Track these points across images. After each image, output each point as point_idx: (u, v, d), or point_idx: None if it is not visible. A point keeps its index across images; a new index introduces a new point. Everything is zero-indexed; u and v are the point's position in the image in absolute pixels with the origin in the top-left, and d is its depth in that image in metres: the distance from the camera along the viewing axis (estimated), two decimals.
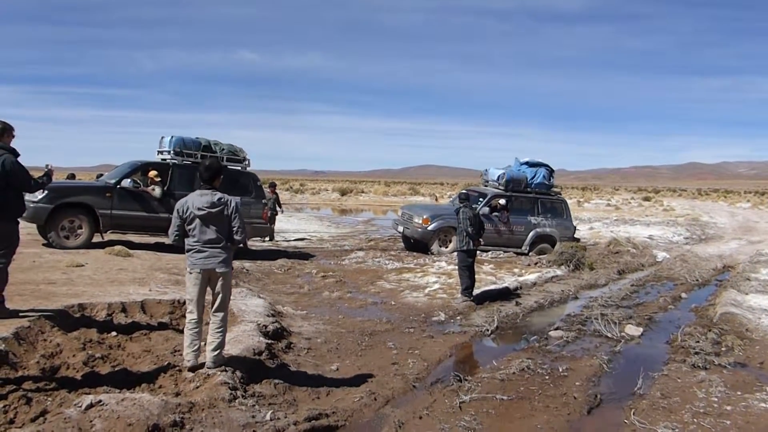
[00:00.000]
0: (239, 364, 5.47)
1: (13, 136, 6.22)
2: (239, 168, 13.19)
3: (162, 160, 12.76)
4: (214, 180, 5.19)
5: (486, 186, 16.89)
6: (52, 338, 5.83)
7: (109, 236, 12.81)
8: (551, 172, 16.54)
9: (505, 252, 15.44)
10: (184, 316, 7.31)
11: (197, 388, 4.92)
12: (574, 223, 17.16)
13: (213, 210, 5.07)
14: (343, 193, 51.62)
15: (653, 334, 8.43)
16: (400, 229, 15.93)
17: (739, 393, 5.90)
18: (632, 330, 8.29)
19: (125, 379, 5.17)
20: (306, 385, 5.62)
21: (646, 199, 62.10)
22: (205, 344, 5.34)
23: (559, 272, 12.95)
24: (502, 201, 15.39)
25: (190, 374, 5.15)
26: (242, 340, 6.14)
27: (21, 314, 6.11)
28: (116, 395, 4.45)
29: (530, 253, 15.49)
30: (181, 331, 6.81)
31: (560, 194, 17.11)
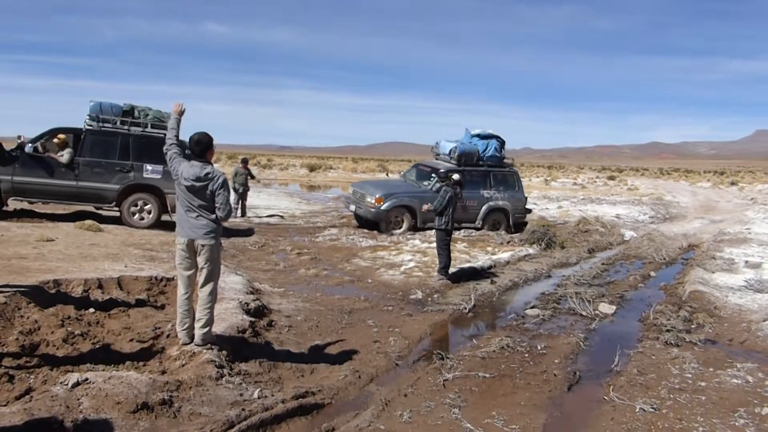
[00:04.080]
0: (224, 341, 5.45)
1: None
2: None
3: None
4: (204, 153, 5.16)
5: (437, 160, 16.41)
6: (29, 315, 5.72)
7: (77, 209, 12.58)
8: (502, 143, 16.15)
9: (470, 229, 15.39)
10: (162, 293, 7.29)
11: (183, 366, 4.89)
12: (526, 195, 17.00)
13: (197, 184, 5.02)
14: (312, 168, 51.18)
15: (625, 311, 8.63)
16: (352, 207, 15.35)
17: (711, 369, 6.09)
18: (605, 308, 8.47)
19: (107, 357, 5.11)
20: (290, 362, 5.62)
21: (611, 178, 63.11)
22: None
23: (531, 251, 13.11)
24: (456, 176, 15.17)
25: (175, 352, 5.11)
26: (225, 317, 6.10)
27: None
28: (103, 373, 4.39)
29: (484, 227, 15.35)
30: (160, 308, 6.77)
31: (512, 166, 16.72)
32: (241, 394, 4.63)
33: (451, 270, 10.03)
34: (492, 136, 16.13)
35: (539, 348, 6.64)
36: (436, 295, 8.89)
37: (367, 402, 4.99)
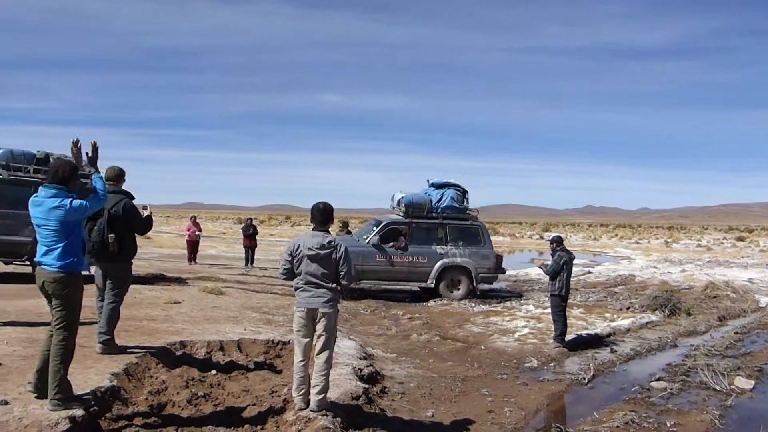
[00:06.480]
0: (338, 408, 5.46)
1: (124, 180, 6.64)
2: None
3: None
4: (326, 223, 5.36)
5: (393, 212, 15.09)
6: (157, 375, 6.05)
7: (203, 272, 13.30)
8: (464, 193, 14.47)
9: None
10: (278, 356, 7.48)
11: (299, 431, 4.94)
12: (495, 250, 14.79)
13: (322, 252, 5.17)
14: None
15: (766, 387, 7.88)
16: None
17: None
18: (742, 382, 7.77)
19: (228, 420, 5.27)
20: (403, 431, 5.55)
21: (740, 239, 58.98)
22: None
23: (653, 318, 12.38)
24: (402, 227, 13.62)
25: (291, 417, 5.19)
26: (339, 383, 6.14)
27: (128, 350, 6.40)
28: None
29: (439, 287, 13.76)
30: (277, 372, 6.94)
31: (476, 218, 14.82)
32: None
33: (568, 337, 9.63)
34: (449, 184, 14.54)
35: (668, 425, 6.16)
36: (552, 364, 8.55)
37: None
